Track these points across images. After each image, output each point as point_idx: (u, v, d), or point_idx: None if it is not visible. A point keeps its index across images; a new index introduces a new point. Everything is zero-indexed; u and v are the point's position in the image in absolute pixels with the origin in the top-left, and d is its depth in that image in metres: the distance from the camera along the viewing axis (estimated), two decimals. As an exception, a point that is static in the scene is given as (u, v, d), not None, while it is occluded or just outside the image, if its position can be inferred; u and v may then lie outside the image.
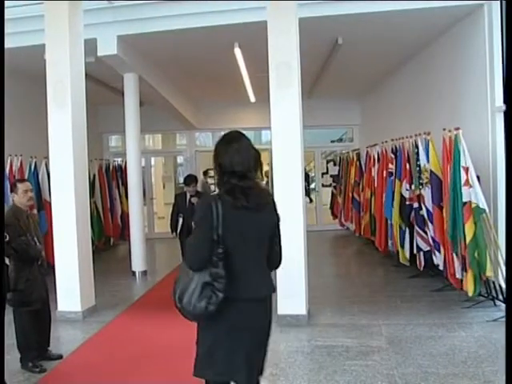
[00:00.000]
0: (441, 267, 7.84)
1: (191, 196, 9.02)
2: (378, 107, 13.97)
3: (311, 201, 17.36)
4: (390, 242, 10.06)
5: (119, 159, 15.41)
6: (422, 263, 8.58)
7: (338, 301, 8.01)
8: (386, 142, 10.50)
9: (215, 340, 3.12)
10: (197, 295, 2.98)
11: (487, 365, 5.14)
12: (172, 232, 9.33)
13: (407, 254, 9.05)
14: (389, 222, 9.83)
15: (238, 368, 3.10)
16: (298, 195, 6.87)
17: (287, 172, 6.91)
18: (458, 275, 7.20)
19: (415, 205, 8.51)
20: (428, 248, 8.25)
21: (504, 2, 6.61)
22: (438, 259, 7.83)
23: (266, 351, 3.27)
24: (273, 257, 3.28)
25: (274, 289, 3.26)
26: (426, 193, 8.00)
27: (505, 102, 6.84)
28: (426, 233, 8.17)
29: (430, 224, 7.88)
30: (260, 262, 3.17)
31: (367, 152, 11.91)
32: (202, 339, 3.20)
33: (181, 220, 9.10)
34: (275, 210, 3.28)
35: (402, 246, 9.18)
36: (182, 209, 9.11)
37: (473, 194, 6.78)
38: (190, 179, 9.15)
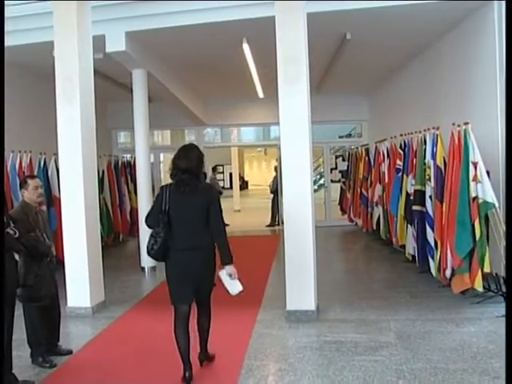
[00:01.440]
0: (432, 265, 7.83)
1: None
2: (387, 102, 13.92)
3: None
4: (394, 239, 9.99)
5: (128, 155, 15.48)
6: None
7: (346, 296, 7.99)
8: (395, 137, 10.46)
9: (169, 278, 4.94)
10: (147, 242, 4.89)
11: (497, 360, 5.11)
12: None
13: (411, 251, 9.00)
14: (394, 218, 9.79)
15: (186, 297, 4.96)
16: (307, 191, 6.85)
17: (296, 167, 6.89)
18: (448, 273, 7.19)
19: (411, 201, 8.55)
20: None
21: (504, 2, 6.56)
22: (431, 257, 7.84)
23: (210, 284, 5.08)
24: (212, 223, 4.87)
25: (205, 243, 4.88)
26: (427, 190, 7.98)
27: (506, 101, 6.80)
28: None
29: (428, 221, 7.88)
30: (193, 227, 4.83)
31: (376, 147, 11.88)
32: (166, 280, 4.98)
33: None
34: (208, 194, 4.90)
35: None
36: None
37: (480, 190, 6.75)
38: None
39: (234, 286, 5.08)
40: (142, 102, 10.41)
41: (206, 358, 5.38)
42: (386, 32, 9.14)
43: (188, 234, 4.83)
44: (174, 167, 4.94)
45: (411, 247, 8.90)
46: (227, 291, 5.10)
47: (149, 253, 4.90)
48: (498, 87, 7.42)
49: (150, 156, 10.88)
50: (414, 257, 9.02)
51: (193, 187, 4.80)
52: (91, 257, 7.57)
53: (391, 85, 13.38)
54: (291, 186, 6.91)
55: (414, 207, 8.38)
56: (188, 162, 4.88)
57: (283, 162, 6.96)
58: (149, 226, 4.94)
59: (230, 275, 5.00)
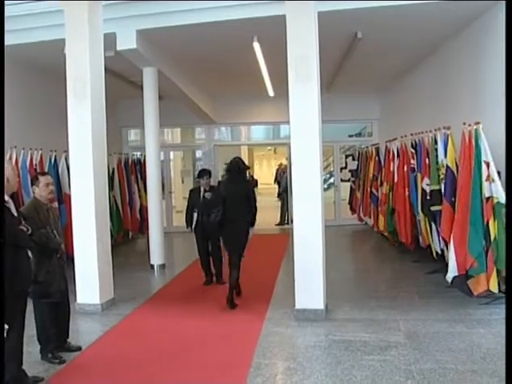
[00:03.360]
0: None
1: (205, 191, 8.93)
2: (398, 101, 13.88)
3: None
4: (420, 238, 9.84)
5: (138, 153, 15.49)
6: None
7: (355, 295, 7.98)
8: (406, 136, 10.42)
9: (223, 239, 7.88)
10: (212, 217, 7.59)
11: (506, 361, 5.09)
12: (187, 227, 9.21)
13: (438, 249, 8.82)
14: (417, 217, 9.65)
15: (230, 249, 7.74)
16: (317, 190, 6.85)
17: (306, 167, 6.89)
18: (450, 276, 7.16)
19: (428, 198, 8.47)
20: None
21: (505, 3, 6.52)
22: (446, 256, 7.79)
23: (243, 243, 7.71)
24: (250, 207, 7.75)
25: (244, 219, 7.71)
26: (443, 189, 7.93)
27: (506, 102, 6.75)
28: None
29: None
30: (238, 208, 7.59)
31: (386, 147, 11.83)
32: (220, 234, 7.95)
33: (195, 215, 9.00)
34: (247, 187, 7.91)
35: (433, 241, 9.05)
36: (196, 204, 9.01)
37: (494, 189, 6.72)
38: (203, 173, 9.04)
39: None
40: (152, 100, 10.43)
41: (231, 303, 7.47)
42: (397, 31, 9.10)
43: (234, 211, 7.57)
44: (227, 169, 7.87)
45: (438, 247, 8.75)
46: None
47: (213, 222, 7.62)
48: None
49: (160, 154, 10.88)
50: (441, 256, 8.87)
51: (237, 182, 7.76)
52: (101, 254, 7.60)
53: (402, 84, 13.33)
54: (301, 184, 6.91)
55: (433, 208, 8.32)
56: (235, 167, 7.82)
57: (293, 160, 6.96)
58: (214, 206, 7.68)
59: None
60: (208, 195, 8.76)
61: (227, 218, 7.57)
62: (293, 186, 7.03)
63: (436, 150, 8.27)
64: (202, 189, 8.99)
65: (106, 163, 8.00)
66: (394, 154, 10.94)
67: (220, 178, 16.11)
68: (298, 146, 6.91)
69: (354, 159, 16.18)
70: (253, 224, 7.89)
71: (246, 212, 7.68)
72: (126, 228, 13.37)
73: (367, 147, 14.50)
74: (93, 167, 7.47)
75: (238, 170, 7.81)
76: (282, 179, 17.72)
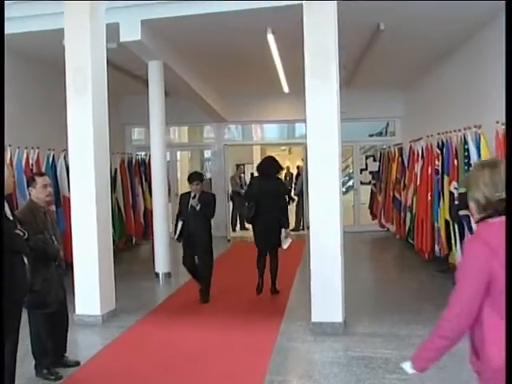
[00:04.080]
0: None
1: (193, 197, 8.52)
2: (423, 98, 13.81)
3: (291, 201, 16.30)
4: (436, 247, 9.83)
5: (142, 153, 15.56)
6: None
7: (376, 308, 7.94)
8: (432, 136, 10.36)
9: (255, 232, 8.99)
10: (246, 212, 9.26)
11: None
12: (174, 236, 8.95)
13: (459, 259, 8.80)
14: (435, 224, 9.62)
15: (265, 242, 8.81)
16: (335, 193, 6.82)
17: (323, 168, 6.88)
18: None
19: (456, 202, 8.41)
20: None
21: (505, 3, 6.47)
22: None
23: (276, 238, 8.71)
24: (281, 206, 8.81)
25: (276, 216, 8.74)
26: None
27: (506, 102, 6.70)
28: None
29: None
30: (270, 205, 8.65)
31: (410, 147, 11.79)
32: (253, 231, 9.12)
33: (180, 224, 8.66)
34: (279, 186, 9.02)
35: (451, 249, 8.99)
36: (183, 211, 8.68)
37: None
38: (194, 178, 8.64)
39: (285, 243, 8.84)
40: (158, 96, 10.45)
41: (274, 290, 8.95)
42: (424, 21, 9.01)
43: (267, 207, 8.68)
44: (258, 170, 9.19)
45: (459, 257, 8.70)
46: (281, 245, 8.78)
47: (246, 218, 9.37)
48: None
49: (166, 154, 10.91)
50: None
51: (270, 181, 8.88)
52: (102, 261, 7.60)
53: (428, 79, 13.26)
54: (318, 187, 6.89)
55: (462, 212, 8.27)
56: (267, 167, 9.01)
57: (310, 162, 6.95)
58: (246, 201, 9.20)
59: (285, 236, 8.83)
60: (195, 203, 8.44)
61: (259, 214, 8.71)
62: (309, 189, 7.01)
63: (466, 150, 8.22)
64: (192, 195, 8.57)
65: (108, 163, 8.01)
66: (418, 155, 10.89)
67: (231, 180, 16.28)
68: (315, 146, 6.91)
69: (374, 160, 16.15)
70: (285, 224, 8.91)
71: (278, 209, 8.74)
72: (128, 233, 13.41)
73: (389, 147, 14.47)
74: (94, 167, 7.47)
75: (270, 169, 8.94)
76: (298, 182, 17.70)
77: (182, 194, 9.09)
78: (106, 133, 7.86)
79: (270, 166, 9.01)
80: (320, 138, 6.89)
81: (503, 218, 2.58)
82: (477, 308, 2.66)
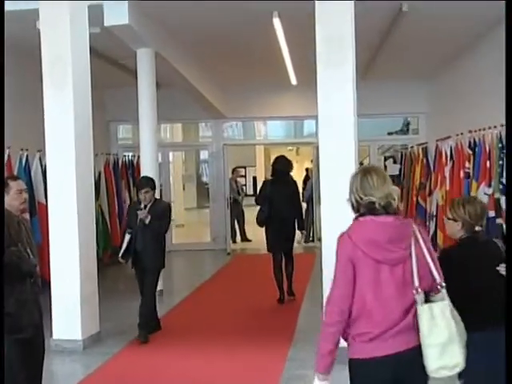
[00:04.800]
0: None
1: (144, 207, 7.84)
2: (452, 90, 13.75)
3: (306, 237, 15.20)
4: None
5: (130, 154, 15.54)
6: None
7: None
8: (462, 134, 10.31)
9: (268, 236, 9.95)
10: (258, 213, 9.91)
11: None
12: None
13: None
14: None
15: (279, 246, 9.85)
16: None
17: (338, 171, 6.83)
18: None
19: (491, 213, 8.31)
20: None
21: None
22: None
23: (290, 242, 9.90)
24: (296, 206, 9.91)
25: (291, 219, 9.82)
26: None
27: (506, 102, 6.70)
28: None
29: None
30: (285, 206, 9.60)
31: (437, 146, 11.73)
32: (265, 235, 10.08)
33: (127, 238, 7.99)
34: (293, 186, 10.18)
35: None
36: (132, 224, 8.00)
37: None
38: (142, 184, 8.02)
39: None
40: (148, 89, 10.44)
41: (291, 293, 9.92)
42: (453, 2, 8.97)
43: (283, 208, 9.49)
44: (272, 168, 10.10)
45: None
46: None
47: (259, 220, 9.81)
48: None
49: (157, 155, 10.88)
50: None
51: (285, 183, 9.87)
52: (84, 278, 7.54)
53: (458, 69, 13.20)
54: (331, 193, 6.82)
55: (498, 220, 8.22)
56: (280, 167, 9.89)
57: (322, 164, 6.94)
58: (259, 204, 9.99)
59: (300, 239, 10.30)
60: (143, 214, 7.73)
61: (273, 216, 9.48)
62: (321, 195, 6.97)
63: (502, 148, 8.17)
64: (142, 205, 7.91)
65: (92, 166, 8.01)
66: (447, 156, 10.83)
67: (228, 185, 16.26)
68: (328, 146, 6.90)
69: (395, 162, 16.07)
70: (302, 225, 10.24)
71: (293, 210, 9.78)
72: (114, 245, 13.29)
73: (412, 147, 14.39)
74: (75, 171, 7.43)
75: (284, 170, 9.92)
76: (307, 186, 17.66)
77: (129, 205, 8.84)
78: (90, 130, 7.84)
79: (282, 165, 9.87)
80: (334, 137, 6.90)
81: (376, 216, 3.45)
82: (351, 290, 3.50)
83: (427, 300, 3.49)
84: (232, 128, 18.27)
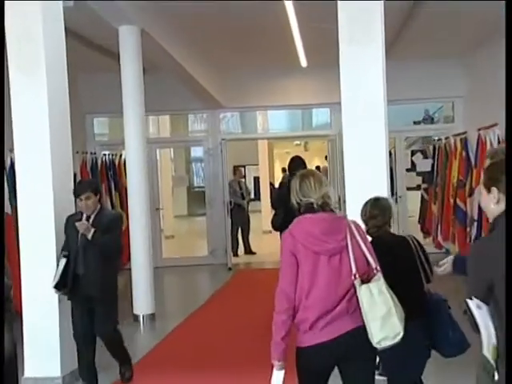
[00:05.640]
0: None
1: (87, 218, 7.10)
2: (497, 70, 13.64)
3: None
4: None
5: (110, 152, 15.46)
6: None
7: (434, 362, 7.77)
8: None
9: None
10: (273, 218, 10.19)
11: None
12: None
13: None
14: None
15: None
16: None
17: (365, 169, 6.84)
18: None
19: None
20: None
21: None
22: None
23: None
24: None
25: None
26: None
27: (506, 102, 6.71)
28: None
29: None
30: None
31: (479, 137, 11.67)
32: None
33: (62, 263, 7.05)
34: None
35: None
36: (70, 242, 7.19)
37: None
38: (81, 188, 7.25)
39: None
40: (134, 74, 10.44)
41: None
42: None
43: None
44: (289, 168, 10.25)
45: None
46: None
47: (274, 224, 9.83)
48: None
49: (146, 153, 10.88)
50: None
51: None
52: (63, 302, 7.42)
53: (502, 44, 13.09)
54: (360, 196, 6.70)
55: None
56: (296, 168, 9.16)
57: (347, 161, 6.96)
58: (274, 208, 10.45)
59: None
60: (83, 227, 6.95)
61: (290, 221, 9.45)
62: (347, 197, 7.00)
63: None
64: (84, 216, 7.14)
65: (71, 166, 8.04)
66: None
67: (229, 188, 16.26)
68: (354, 137, 6.91)
69: (425, 156, 16.03)
70: None
71: None
72: (94, 262, 13.28)
73: (447, 138, 14.32)
74: (52, 173, 7.37)
75: (300, 169, 10.26)
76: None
77: (68, 217, 7.39)
78: (68, 124, 7.84)
79: (298, 166, 9.58)
80: (361, 128, 6.92)
81: (313, 214, 4.58)
82: (295, 280, 4.52)
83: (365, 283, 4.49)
84: (231, 120, 18.23)
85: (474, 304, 3.56)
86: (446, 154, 14.04)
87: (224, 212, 15.86)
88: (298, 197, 4.68)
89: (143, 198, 10.65)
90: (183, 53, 12.48)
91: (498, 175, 3.64)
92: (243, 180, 18.57)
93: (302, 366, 4.63)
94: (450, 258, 5.05)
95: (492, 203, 3.66)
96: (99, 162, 14.17)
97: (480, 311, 3.55)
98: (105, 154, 15.29)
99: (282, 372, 4.56)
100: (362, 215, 5.53)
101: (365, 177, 6.79)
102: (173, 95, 15.08)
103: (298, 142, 32.74)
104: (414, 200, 16.24)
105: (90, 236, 6.90)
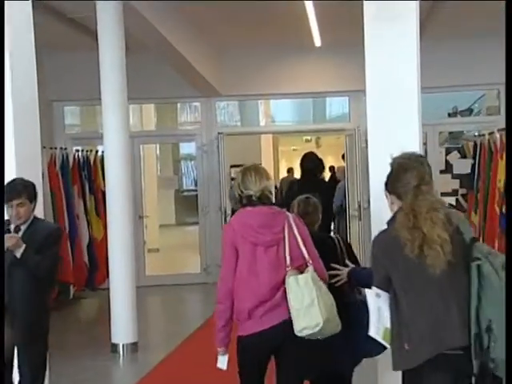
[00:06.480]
0: None
1: (16, 229, 6.65)
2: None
3: None
4: None
5: (84, 148, 15.42)
6: None
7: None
8: None
9: None
10: None
11: None
12: None
13: None
14: None
15: None
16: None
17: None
18: None
19: None
20: None
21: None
22: None
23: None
24: (327, 213, 10.45)
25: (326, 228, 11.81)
26: None
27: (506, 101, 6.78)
28: None
29: None
30: None
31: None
32: None
33: None
34: (327, 190, 13.02)
35: None
36: None
37: None
38: (12, 190, 6.70)
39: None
40: (114, 54, 10.48)
41: None
42: None
43: None
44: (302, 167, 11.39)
45: None
46: None
47: None
48: None
49: (128, 150, 10.90)
50: None
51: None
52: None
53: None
54: (386, 203, 6.70)
55: None
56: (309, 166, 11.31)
57: (372, 162, 6.94)
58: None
59: None
60: (12, 241, 6.46)
61: None
62: (371, 205, 7.01)
63: None
64: (11, 227, 6.73)
65: (39, 163, 8.14)
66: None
67: (229, 192, 16.30)
68: (380, 133, 6.91)
69: (464, 155, 16.02)
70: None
71: (326, 217, 10.20)
72: (63, 280, 13.22)
73: (491, 133, 14.29)
74: (16, 170, 7.33)
75: (313, 168, 11.24)
76: (337, 192, 17.57)
77: None
78: (36, 112, 7.92)
79: (312, 163, 11.00)
80: (389, 121, 6.87)
81: (252, 207, 5.62)
82: (233, 271, 5.59)
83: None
84: (230, 110, 18.27)
85: (372, 292, 5.02)
86: (489, 153, 13.99)
87: (220, 221, 15.82)
88: (240, 189, 5.73)
89: (124, 203, 10.65)
90: (172, 28, 12.46)
91: (391, 181, 5.43)
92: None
93: (244, 354, 5.66)
94: (346, 270, 6.03)
95: (389, 204, 5.40)
96: (70, 159, 14.13)
97: (377, 298, 4.96)
98: (77, 150, 15.25)
99: (226, 356, 5.86)
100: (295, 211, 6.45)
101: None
102: (159, 79, 15.17)
103: (309, 138, 32.76)
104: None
105: (19, 254, 6.39)
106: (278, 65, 16.19)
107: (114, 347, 10.46)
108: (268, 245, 5.54)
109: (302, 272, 5.53)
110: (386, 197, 5.46)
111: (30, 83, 7.70)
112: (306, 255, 5.57)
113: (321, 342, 5.65)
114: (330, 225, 11.20)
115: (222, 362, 5.96)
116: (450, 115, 17.49)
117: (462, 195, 15.59)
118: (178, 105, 18.16)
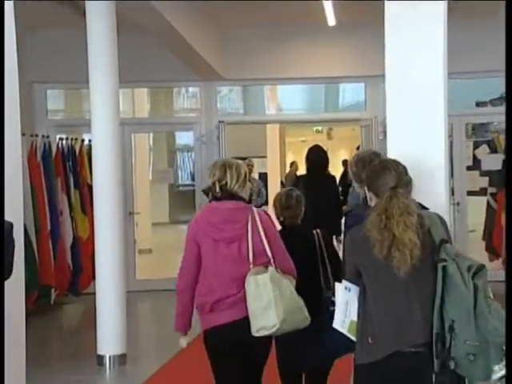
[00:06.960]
0: None
1: None
2: None
3: None
4: None
5: (68, 136, 15.39)
6: None
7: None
8: None
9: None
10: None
11: None
12: None
13: None
14: None
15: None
16: (443, 211, 6.65)
17: (418, 165, 6.76)
18: None
19: None
20: None
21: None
22: None
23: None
24: (336, 214, 12.19)
25: (332, 225, 11.44)
26: None
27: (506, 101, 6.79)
28: None
29: None
30: (324, 211, 11.31)
31: None
32: None
33: None
34: (334, 185, 13.40)
35: None
36: None
37: None
38: None
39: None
40: (104, 32, 10.52)
41: None
42: None
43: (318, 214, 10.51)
44: (307, 160, 12.08)
45: None
46: None
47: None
48: None
49: (118, 139, 10.93)
50: None
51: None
52: (8, 339, 7.41)
53: None
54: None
55: None
56: (316, 160, 12.02)
57: (390, 153, 6.83)
58: None
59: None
60: None
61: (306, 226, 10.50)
62: None
63: None
64: None
65: (20, 152, 8.19)
66: None
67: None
68: (401, 123, 6.92)
69: (493, 150, 15.99)
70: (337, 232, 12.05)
71: (334, 216, 11.36)
72: (43, 283, 13.24)
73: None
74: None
75: (320, 162, 11.78)
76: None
77: None
78: (16, 95, 8.04)
79: (319, 157, 11.47)
80: (411, 111, 6.85)
81: (218, 202, 6.14)
82: (194, 263, 6.16)
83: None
84: (232, 96, 18.28)
85: (341, 285, 5.43)
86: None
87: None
88: (209, 184, 6.30)
89: (113, 198, 10.68)
90: (169, 4, 12.48)
91: (370, 179, 5.70)
92: (254, 177, 18.46)
93: (209, 347, 6.24)
94: None
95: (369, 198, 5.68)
96: (53, 148, 14.13)
97: (346, 292, 5.37)
98: (61, 139, 15.23)
99: (186, 337, 6.44)
100: (275, 206, 7.32)
101: (417, 177, 6.77)
102: (153, 61, 15.15)
103: (320, 128, 32.91)
104: (476, 209, 16.24)
105: None
106: (286, 46, 16.18)
107: (100, 359, 10.48)
108: (229, 241, 6.06)
109: (267, 268, 6.01)
110: (365, 191, 5.79)
111: (8, 62, 7.69)
112: (269, 252, 6.04)
113: (294, 338, 6.36)
114: (340, 226, 10.88)
115: (183, 343, 6.53)
116: (478, 105, 17.49)
117: (492, 194, 15.55)
118: (174, 89, 18.15)
